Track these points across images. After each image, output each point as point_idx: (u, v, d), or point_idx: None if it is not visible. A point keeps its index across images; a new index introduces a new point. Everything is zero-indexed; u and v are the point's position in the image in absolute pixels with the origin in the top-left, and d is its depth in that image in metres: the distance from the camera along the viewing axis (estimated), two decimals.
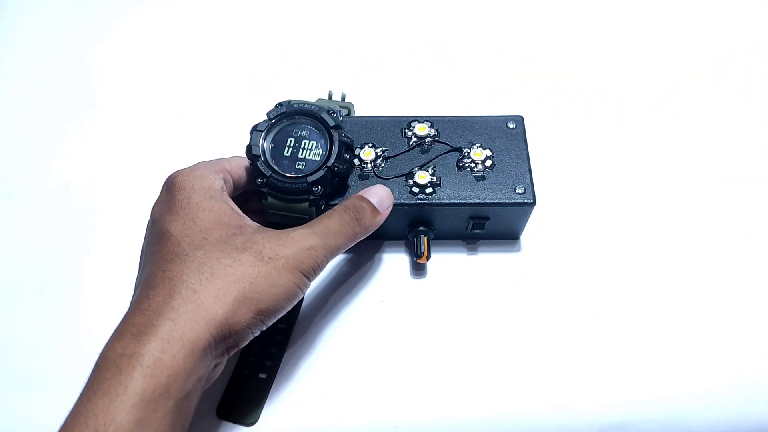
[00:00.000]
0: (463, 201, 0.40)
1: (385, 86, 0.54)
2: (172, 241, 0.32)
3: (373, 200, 0.37)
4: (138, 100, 0.54)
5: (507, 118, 0.44)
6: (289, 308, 0.33)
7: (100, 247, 0.45)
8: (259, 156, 0.37)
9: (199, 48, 0.58)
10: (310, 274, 0.33)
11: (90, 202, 0.48)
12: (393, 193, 0.40)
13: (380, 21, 0.60)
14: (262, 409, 0.38)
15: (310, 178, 0.37)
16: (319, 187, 0.37)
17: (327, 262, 0.34)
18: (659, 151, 0.50)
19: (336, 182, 0.39)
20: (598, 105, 0.53)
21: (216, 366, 0.32)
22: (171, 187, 0.35)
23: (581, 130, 0.52)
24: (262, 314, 0.31)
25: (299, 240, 0.33)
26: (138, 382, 0.27)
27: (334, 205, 0.40)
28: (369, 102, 0.49)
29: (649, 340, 0.41)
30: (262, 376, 0.39)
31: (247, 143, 0.38)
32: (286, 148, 0.38)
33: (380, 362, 0.40)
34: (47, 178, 0.49)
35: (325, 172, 0.37)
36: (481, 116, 0.44)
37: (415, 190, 0.41)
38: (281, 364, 0.40)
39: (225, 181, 0.37)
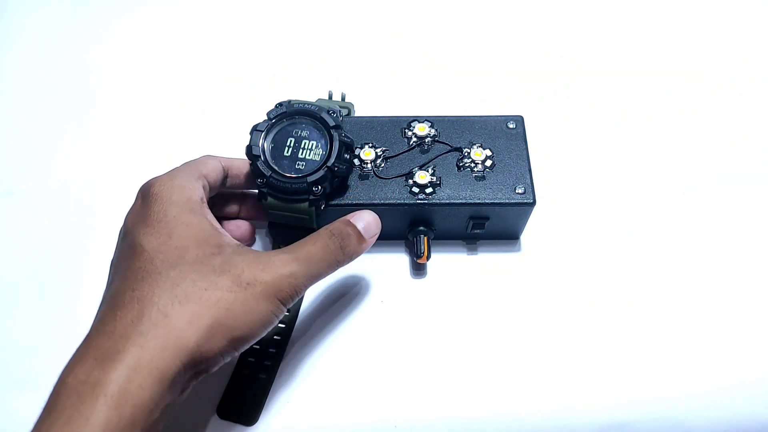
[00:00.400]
0: (463, 201, 0.40)
1: (385, 86, 0.54)
2: (145, 257, 0.30)
3: (360, 226, 0.36)
4: (138, 100, 0.54)
5: (507, 118, 0.44)
6: (263, 335, 0.32)
7: (100, 248, 0.45)
8: (259, 156, 0.37)
9: (199, 48, 0.58)
10: (287, 301, 0.32)
11: (90, 202, 0.48)
12: (393, 193, 0.40)
13: (380, 21, 0.60)
14: (262, 408, 0.38)
15: (310, 178, 0.37)
16: (319, 187, 0.37)
17: (306, 290, 0.33)
18: (659, 151, 0.50)
19: (336, 182, 0.39)
20: (598, 105, 0.53)
21: (182, 392, 0.30)
22: (147, 196, 0.33)
23: (581, 130, 0.52)
24: (236, 342, 0.30)
25: (280, 266, 0.32)
26: (101, 413, 0.25)
27: (334, 205, 0.40)
28: (369, 102, 0.49)
29: (649, 340, 0.41)
30: (262, 376, 0.39)
31: (247, 143, 0.38)
32: (286, 148, 0.38)
33: (380, 362, 0.40)
34: (47, 178, 0.49)
35: (325, 172, 0.37)
36: (481, 116, 0.44)
37: (415, 190, 0.41)
38: (281, 364, 0.40)
39: (204, 187, 0.35)
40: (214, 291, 0.29)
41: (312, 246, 0.33)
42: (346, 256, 0.35)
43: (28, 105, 0.54)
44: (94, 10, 0.60)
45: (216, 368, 0.30)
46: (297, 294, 0.32)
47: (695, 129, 0.52)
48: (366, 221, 0.36)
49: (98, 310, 0.30)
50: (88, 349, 0.27)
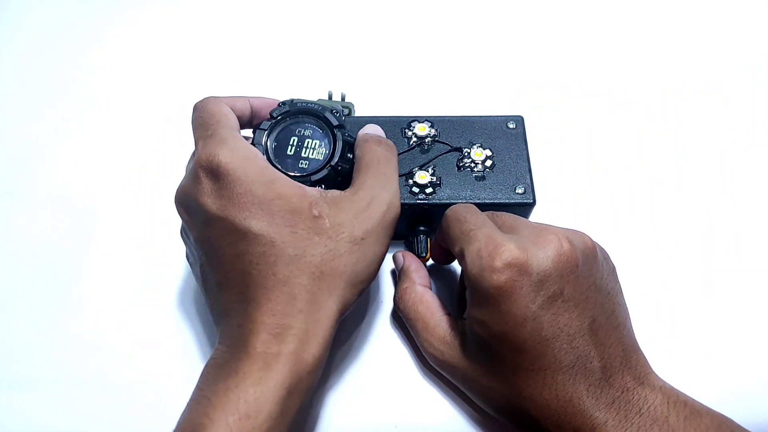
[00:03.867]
0: (463, 201, 0.40)
1: (385, 86, 0.54)
2: (262, 240, 0.31)
3: (372, 132, 0.38)
4: (138, 99, 0.54)
5: (507, 118, 0.44)
6: None
7: (99, 247, 0.45)
8: (263, 155, 0.37)
9: (199, 48, 0.58)
10: (394, 227, 0.35)
11: (90, 202, 0.48)
12: None
13: (380, 21, 0.60)
14: None
15: (314, 177, 0.37)
16: (323, 186, 0.37)
17: (400, 204, 0.36)
18: (661, 151, 0.50)
19: (339, 181, 0.39)
20: (598, 104, 0.54)
21: None
22: (218, 175, 0.32)
23: (582, 130, 0.52)
24: (364, 289, 0.34)
25: (378, 205, 0.34)
26: (285, 376, 0.29)
27: None
28: (369, 102, 0.49)
29: (648, 341, 0.41)
30: None
31: (250, 141, 0.38)
32: (290, 147, 0.38)
33: (380, 362, 0.40)
34: (47, 177, 0.49)
35: (329, 171, 0.37)
36: (481, 116, 0.44)
37: (416, 190, 0.41)
38: None
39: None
40: (339, 259, 0.32)
41: (378, 165, 0.36)
42: (392, 151, 0.38)
43: (28, 105, 0.54)
44: (95, 10, 0.60)
45: None
46: (398, 213, 0.35)
47: (697, 129, 0.52)
48: (372, 128, 0.39)
49: (232, 291, 0.32)
50: (257, 325, 0.30)
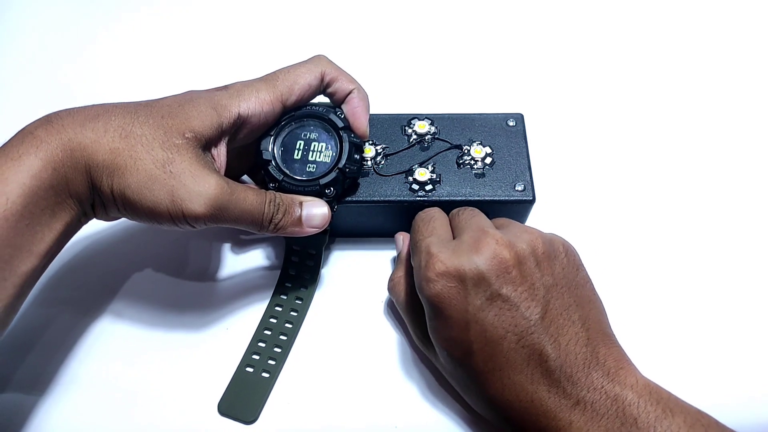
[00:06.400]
0: (463, 198, 0.40)
1: (385, 84, 0.54)
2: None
3: (305, 213, 0.36)
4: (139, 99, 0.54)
5: (507, 116, 0.44)
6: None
7: (100, 246, 0.45)
8: (270, 161, 0.37)
9: (198, 49, 0.58)
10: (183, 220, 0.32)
11: None
12: (393, 190, 0.40)
13: (379, 19, 0.60)
14: (263, 407, 0.38)
15: (322, 181, 0.37)
16: (332, 188, 0.37)
17: (212, 225, 0.33)
18: (660, 148, 0.50)
19: (347, 183, 0.39)
20: (598, 102, 0.53)
21: None
22: None
23: (581, 128, 0.52)
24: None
25: (206, 187, 0.32)
26: None
27: (347, 204, 0.40)
28: (369, 99, 0.49)
29: (648, 341, 0.41)
30: (265, 375, 0.39)
31: (257, 148, 0.38)
32: (296, 151, 0.38)
33: (381, 362, 0.40)
34: None
35: (337, 173, 0.37)
36: (481, 114, 0.44)
37: (415, 187, 0.41)
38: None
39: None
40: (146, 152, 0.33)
41: (252, 196, 0.34)
42: (271, 228, 0.35)
43: (28, 104, 0.54)
44: (95, 10, 0.61)
45: None
46: (198, 216, 0.32)
47: (697, 126, 0.52)
48: (313, 214, 0.36)
49: None
50: None
